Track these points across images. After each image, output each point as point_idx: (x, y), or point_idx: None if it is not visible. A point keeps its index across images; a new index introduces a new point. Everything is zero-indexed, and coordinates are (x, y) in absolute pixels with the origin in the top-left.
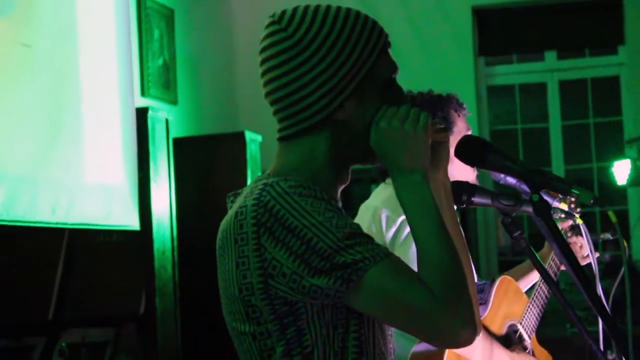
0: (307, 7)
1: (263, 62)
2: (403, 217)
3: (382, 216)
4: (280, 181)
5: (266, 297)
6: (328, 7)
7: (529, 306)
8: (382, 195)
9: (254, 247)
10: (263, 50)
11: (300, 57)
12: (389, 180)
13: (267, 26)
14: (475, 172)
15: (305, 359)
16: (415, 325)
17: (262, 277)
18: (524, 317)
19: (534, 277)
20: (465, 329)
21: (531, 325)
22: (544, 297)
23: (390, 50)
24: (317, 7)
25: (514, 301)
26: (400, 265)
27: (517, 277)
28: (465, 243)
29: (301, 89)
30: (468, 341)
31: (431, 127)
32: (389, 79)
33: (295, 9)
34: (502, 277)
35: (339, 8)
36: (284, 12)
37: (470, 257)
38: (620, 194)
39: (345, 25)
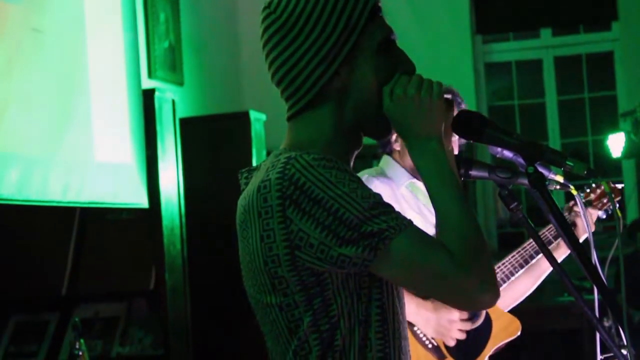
0: None
1: (263, 48)
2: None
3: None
4: (304, 154)
5: (293, 269)
6: None
7: (498, 264)
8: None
9: (279, 220)
10: (261, 38)
11: (290, 35)
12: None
13: (262, 13)
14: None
15: (332, 328)
16: (439, 289)
17: (288, 248)
18: None
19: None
20: (486, 292)
21: None
22: (515, 266)
23: (382, 14)
24: None
25: None
26: (422, 233)
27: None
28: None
29: (296, 64)
30: (489, 303)
31: None
32: (383, 42)
33: None
34: None
35: None
36: None
37: None
38: (615, 166)
39: None
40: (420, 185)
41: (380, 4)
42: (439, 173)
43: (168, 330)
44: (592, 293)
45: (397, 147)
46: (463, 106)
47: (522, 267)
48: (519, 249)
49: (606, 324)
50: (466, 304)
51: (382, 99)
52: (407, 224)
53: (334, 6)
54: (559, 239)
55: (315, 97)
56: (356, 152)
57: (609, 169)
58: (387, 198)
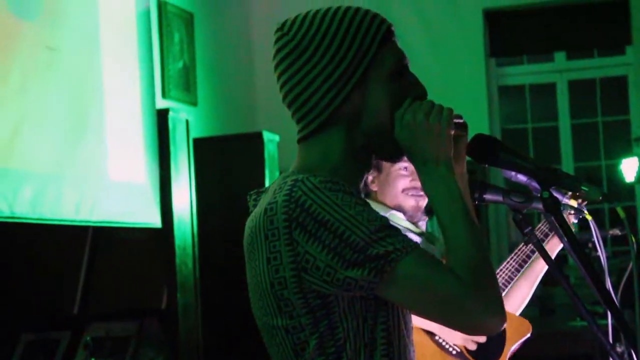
0: (308, 12)
1: (275, 69)
2: None
3: None
4: (310, 177)
5: (299, 291)
6: (328, 8)
7: (497, 271)
8: None
9: (286, 242)
10: (273, 59)
11: (303, 57)
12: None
13: (274, 35)
14: None
15: (338, 351)
16: (446, 313)
17: (295, 271)
18: None
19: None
20: (493, 317)
21: None
22: (512, 271)
23: (395, 39)
24: (318, 10)
25: None
26: (428, 256)
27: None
28: (482, 235)
29: (308, 87)
30: (496, 328)
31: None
32: (396, 68)
33: (297, 16)
34: None
35: (338, 7)
36: (287, 20)
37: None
38: (628, 190)
39: (343, 21)
40: (400, 215)
41: (393, 29)
42: (447, 198)
43: (179, 349)
44: (605, 318)
45: (374, 187)
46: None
47: (518, 270)
48: (513, 255)
49: (619, 349)
50: (473, 328)
51: (394, 125)
52: (414, 247)
53: (347, 30)
54: (554, 239)
55: (326, 120)
56: (365, 175)
57: (622, 193)
58: None
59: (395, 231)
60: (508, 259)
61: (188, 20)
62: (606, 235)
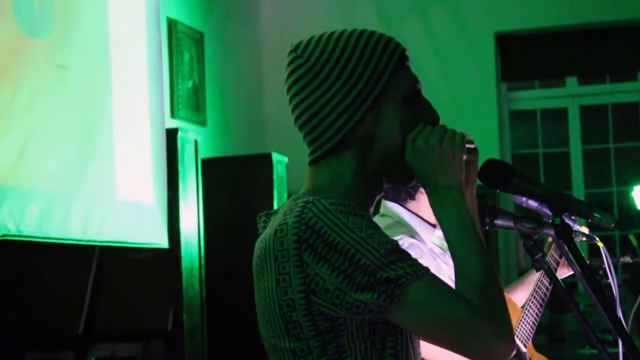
0: (322, 34)
1: (288, 91)
2: None
3: None
4: (321, 199)
5: (308, 313)
6: (343, 30)
7: (522, 316)
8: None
9: (296, 264)
10: (286, 80)
11: (317, 80)
12: (384, 211)
13: (288, 57)
14: None
15: None
16: (456, 338)
17: (304, 293)
18: (518, 327)
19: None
20: (503, 343)
21: (526, 334)
22: (538, 306)
23: (410, 65)
24: (332, 32)
25: None
26: (439, 281)
27: (515, 290)
28: (492, 259)
29: (321, 110)
30: (506, 354)
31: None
32: (410, 92)
33: (311, 37)
34: None
35: (353, 30)
36: (300, 42)
37: None
38: (639, 217)
39: (358, 44)
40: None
41: (407, 53)
42: (458, 223)
43: None
44: (615, 346)
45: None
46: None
47: (543, 306)
48: (533, 292)
49: None
50: (482, 354)
51: (406, 148)
52: (424, 271)
53: (362, 53)
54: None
55: (339, 143)
56: (377, 198)
57: (633, 220)
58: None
59: (406, 255)
60: (530, 297)
61: (198, 39)
62: (617, 262)
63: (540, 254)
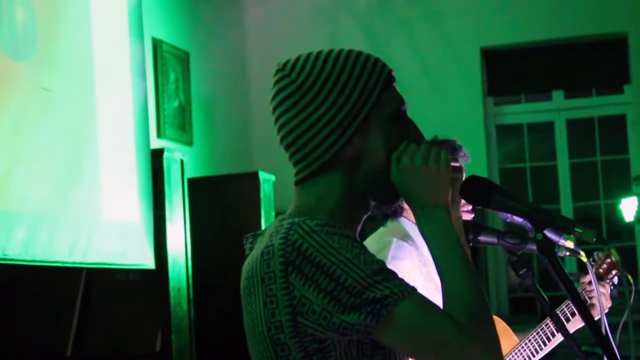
0: (310, 53)
1: (274, 110)
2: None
3: None
4: (307, 220)
5: (295, 335)
6: (330, 50)
7: (518, 347)
8: (375, 238)
9: (282, 286)
10: (272, 99)
11: (304, 99)
12: (389, 224)
13: (274, 76)
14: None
15: None
16: (443, 358)
17: (291, 314)
18: (509, 356)
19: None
20: None
21: None
22: (536, 345)
23: (395, 85)
24: (320, 52)
25: (501, 339)
26: (426, 300)
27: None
28: (479, 278)
29: (308, 130)
30: None
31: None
32: (396, 112)
33: (298, 57)
34: None
35: (340, 50)
36: (287, 61)
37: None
38: (628, 230)
39: (346, 64)
40: None
41: (394, 74)
42: (445, 241)
43: None
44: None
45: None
46: (462, 156)
47: (541, 348)
48: (537, 330)
49: None
50: None
51: (391, 168)
52: (411, 291)
53: (351, 73)
54: (576, 316)
55: (326, 163)
56: (364, 218)
57: (621, 233)
58: (417, 262)
59: (392, 275)
60: (530, 335)
61: (184, 59)
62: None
63: (525, 269)
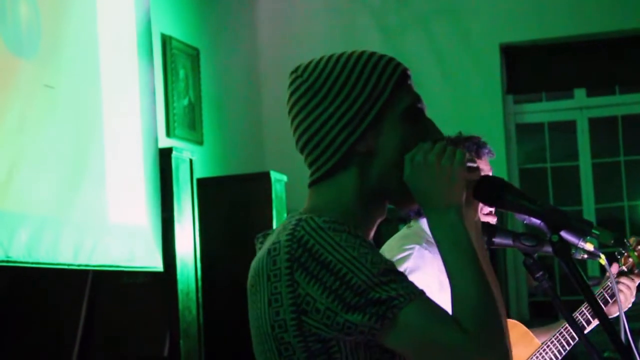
0: (323, 56)
1: (289, 113)
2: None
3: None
4: (314, 217)
5: (299, 334)
6: (343, 52)
7: (539, 350)
8: (397, 242)
9: (287, 283)
10: (287, 102)
11: (317, 97)
12: (413, 224)
13: (289, 78)
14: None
15: None
16: None
17: (295, 313)
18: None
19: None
20: None
21: None
22: (556, 350)
23: (411, 83)
24: (333, 54)
25: (520, 343)
26: (433, 304)
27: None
28: (497, 282)
29: (320, 129)
30: None
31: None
32: (409, 109)
33: (312, 60)
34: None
35: (353, 51)
36: (301, 64)
37: (501, 295)
38: None
39: (357, 64)
40: None
41: (409, 73)
42: (455, 245)
43: None
44: None
45: None
46: (487, 153)
47: (561, 354)
48: (556, 334)
49: None
50: None
51: (404, 168)
52: (418, 294)
53: (362, 70)
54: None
55: (339, 162)
56: (379, 221)
57: None
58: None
59: (400, 276)
60: (552, 338)
61: (194, 56)
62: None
63: (541, 273)
